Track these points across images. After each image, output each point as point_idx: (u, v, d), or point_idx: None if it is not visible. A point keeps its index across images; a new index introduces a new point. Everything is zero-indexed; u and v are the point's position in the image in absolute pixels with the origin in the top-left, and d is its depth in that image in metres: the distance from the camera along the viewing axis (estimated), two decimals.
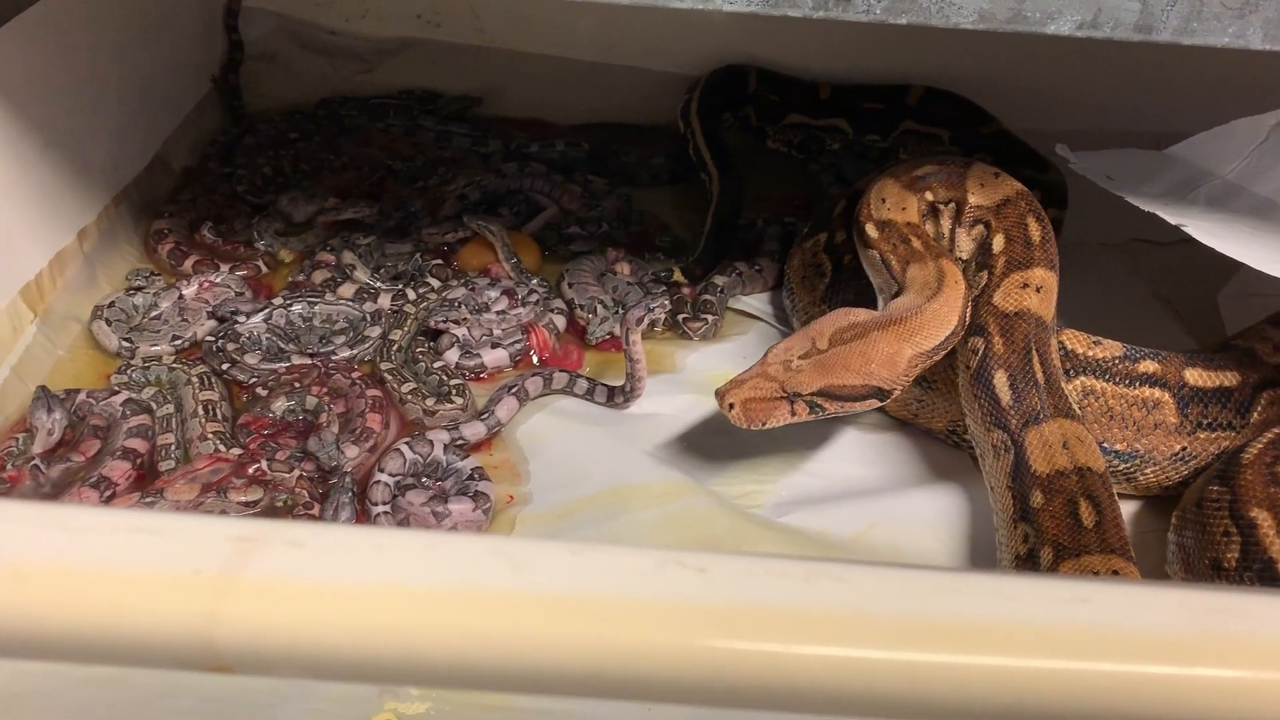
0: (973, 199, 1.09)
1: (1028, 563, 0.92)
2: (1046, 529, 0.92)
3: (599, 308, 1.26)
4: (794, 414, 0.98)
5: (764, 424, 0.98)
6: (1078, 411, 1.00)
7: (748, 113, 1.65)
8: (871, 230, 1.08)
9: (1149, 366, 1.04)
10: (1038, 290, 1.03)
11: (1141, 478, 1.06)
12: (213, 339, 1.18)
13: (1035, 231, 1.07)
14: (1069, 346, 1.05)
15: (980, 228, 1.09)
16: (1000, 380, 0.98)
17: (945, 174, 1.12)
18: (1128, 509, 1.08)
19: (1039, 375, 0.98)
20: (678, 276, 1.35)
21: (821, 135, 1.64)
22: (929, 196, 1.11)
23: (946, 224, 1.11)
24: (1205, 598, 0.42)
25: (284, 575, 0.41)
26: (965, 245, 1.10)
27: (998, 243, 1.06)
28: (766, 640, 0.40)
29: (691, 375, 1.23)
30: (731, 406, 0.98)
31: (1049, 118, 1.61)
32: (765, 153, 1.67)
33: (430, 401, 1.11)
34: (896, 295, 1.03)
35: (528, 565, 0.41)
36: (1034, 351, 0.99)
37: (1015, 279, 1.03)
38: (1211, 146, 1.17)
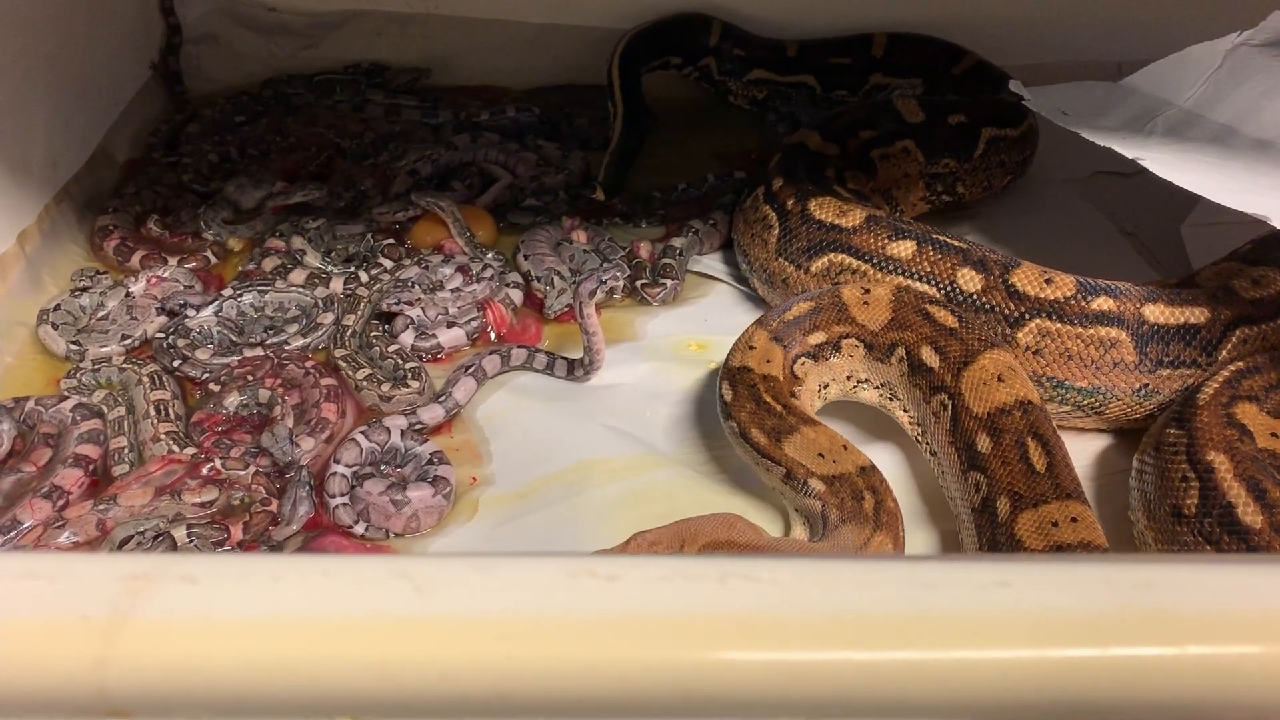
0: (768, 369, 1.01)
1: (983, 513, 0.90)
2: (999, 476, 0.90)
3: (556, 279, 1.24)
4: None
5: None
6: (1000, 339, 0.99)
7: (708, 64, 1.62)
8: (817, 484, 0.93)
9: (1104, 304, 1.02)
10: (873, 286, 1.05)
11: (1108, 412, 1.05)
12: (163, 335, 1.16)
13: (825, 313, 1.04)
14: (1020, 289, 1.04)
15: (800, 362, 1.03)
16: (928, 354, 0.99)
17: (764, 378, 1.01)
18: (1095, 445, 1.07)
19: (950, 322, 0.99)
20: (598, 194, 1.38)
21: (788, 92, 1.60)
22: (803, 410, 1.00)
23: (807, 395, 1.05)
24: (1130, 572, 0.40)
25: (177, 614, 0.40)
26: (819, 375, 1.05)
27: (815, 339, 1.04)
28: (682, 648, 0.39)
29: (653, 342, 1.21)
30: None
31: (1011, 52, 1.59)
32: (723, 107, 1.64)
33: (386, 387, 1.10)
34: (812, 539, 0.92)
35: (431, 586, 0.40)
36: (928, 305, 1.00)
37: (863, 309, 1.04)
38: (1168, 75, 1.14)
